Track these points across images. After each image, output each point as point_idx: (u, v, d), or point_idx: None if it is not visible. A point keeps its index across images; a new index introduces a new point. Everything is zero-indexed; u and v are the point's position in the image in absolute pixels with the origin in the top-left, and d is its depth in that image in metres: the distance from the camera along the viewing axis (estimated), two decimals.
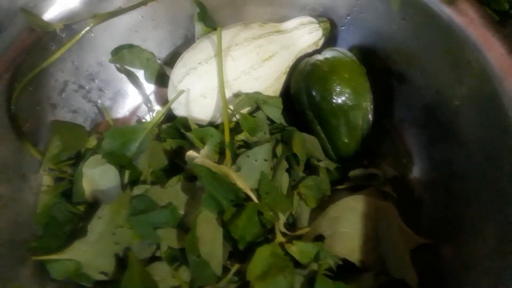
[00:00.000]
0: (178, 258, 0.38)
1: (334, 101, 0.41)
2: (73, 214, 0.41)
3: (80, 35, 0.43)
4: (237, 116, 0.43)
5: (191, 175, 0.41)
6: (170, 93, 0.45)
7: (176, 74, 0.44)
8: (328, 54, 0.44)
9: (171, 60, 0.50)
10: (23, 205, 0.41)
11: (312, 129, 0.45)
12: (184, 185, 0.40)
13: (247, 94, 0.42)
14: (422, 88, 0.44)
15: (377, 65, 0.47)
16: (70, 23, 0.43)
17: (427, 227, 0.42)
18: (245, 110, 0.43)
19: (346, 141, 0.43)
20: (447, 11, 0.38)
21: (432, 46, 0.41)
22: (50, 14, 0.42)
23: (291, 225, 0.40)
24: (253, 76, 0.43)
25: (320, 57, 0.44)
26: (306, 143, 0.43)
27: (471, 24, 0.37)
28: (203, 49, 0.43)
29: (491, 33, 0.36)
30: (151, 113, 0.52)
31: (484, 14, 0.37)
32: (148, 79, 0.51)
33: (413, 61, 0.43)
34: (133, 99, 0.52)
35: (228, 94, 0.42)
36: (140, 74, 0.51)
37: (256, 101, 0.42)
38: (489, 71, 0.36)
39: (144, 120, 0.52)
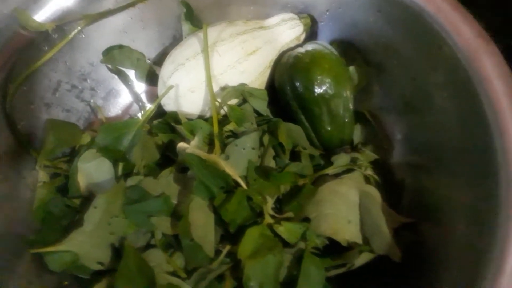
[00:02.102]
0: (172, 244, 0.40)
1: (316, 90, 0.44)
2: (69, 208, 0.43)
3: (72, 35, 0.45)
4: (225, 108, 0.45)
5: (182, 167, 0.43)
6: (160, 89, 0.47)
7: (165, 70, 0.46)
8: (309, 46, 0.46)
9: (160, 59, 0.51)
10: (19, 201, 0.42)
11: (297, 119, 0.47)
12: (176, 176, 0.42)
13: (233, 87, 0.44)
14: (399, 76, 0.46)
15: (356, 56, 0.49)
16: (62, 23, 0.44)
17: (409, 207, 0.44)
18: (232, 103, 0.45)
19: (329, 129, 0.46)
20: (418, 1, 0.40)
21: (406, 36, 0.43)
22: (42, 15, 0.44)
23: (279, 209, 0.41)
24: (239, 70, 0.45)
25: (301, 49, 0.46)
26: (291, 133, 0.45)
27: (440, 12, 0.39)
28: (190, 46, 0.45)
29: (459, 18, 0.39)
30: (142, 111, 0.54)
31: (452, 1, 0.40)
32: (138, 78, 0.53)
33: (389, 51, 0.46)
34: (124, 98, 0.54)
35: (216, 88, 0.44)
36: (131, 73, 0.52)
37: (242, 93, 0.44)
38: (459, 55, 0.38)
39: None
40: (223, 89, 0.44)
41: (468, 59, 0.37)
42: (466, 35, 0.38)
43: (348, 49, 0.49)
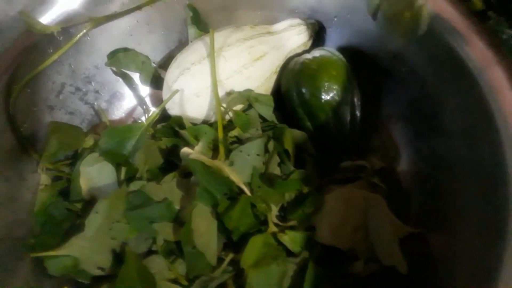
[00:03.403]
0: (174, 251, 0.39)
1: (323, 97, 0.43)
2: (70, 212, 0.42)
3: (77, 38, 0.45)
4: (230, 114, 0.44)
5: (186, 172, 0.42)
6: (165, 93, 0.47)
7: (171, 74, 0.45)
8: (316, 53, 0.46)
9: (166, 63, 0.51)
10: (21, 203, 0.42)
11: (303, 125, 0.46)
12: (179, 182, 0.41)
13: (239, 92, 0.43)
14: (407, 83, 0.45)
15: (364, 63, 0.48)
16: (67, 26, 0.44)
17: (416, 217, 0.43)
18: (237, 109, 0.45)
19: (336, 136, 0.45)
20: (428, 9, 0.40)
21: (416, 43, 0.42)
22: (48, 17, 0.44)
23: (283, 217, 0.41)
24: (245, 75, 0.44)
25: (309, 56, 0.46)
26: (297, 139, 0.45)
27: (451, 21, 0.39)
28: (196, 50, 0.45)
29: (470, 28, 0.38)
30: (146, 114, 0.54)
31: (463, 10, 0.39)
32: (143, 82, 0.52)
33: (398, 58, 0.45)
34: (129, 101, 0.53)
35: (221, 92, 0.44)
36: (135, 76, 0.52)
37: (248, 99, 0.44)
38: (469, 65, 0.37)
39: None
40: (228, 94, 0.44)
41: (479, 69, 0.37)
42: (477, 45, 0.37)
43: (356, 55, 0.48)
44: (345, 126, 0.45)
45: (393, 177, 0.47)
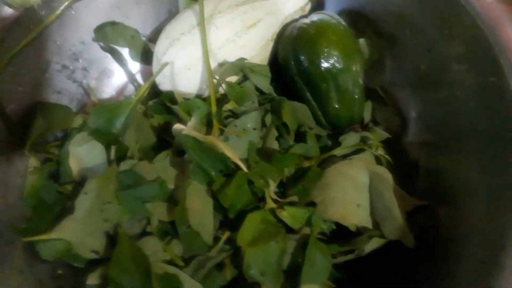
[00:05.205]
0: (169, 231, 0.37)
1: (323, 65, 0.40)
2: (61, 194, 0.41)
3: (59, 11, 0.42)
4: (224, 86, 0.41)
5: (180, 150, 0.40)
6: (155, 67, 0.44)
7: (160, 46, 0.43)
8: (315, 17, 0.43)
9: (156, 36, 0.48)
10: (10, 187, 0.40)
11: (302, 97, 0.44)
12: (172, 160, 0.40)
13: (232, 63, 0.41)
14: (413, 48, 0.42)
15: (367, 28, 0.45)
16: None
17: (423, 189, 0.41)
18: (232, 80, 0.42)
19: (337, 106, 0.42)
20: None
21: (421, 3, 0.40)
22: None
23: (282, 193, 0.39)
24: (239, 44, 0.42)
25: (307, 20, 0.43)
26: (296, 112, 0.42)
27: None
28: (185, 19, 0.42)
29: None
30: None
31: None
32: (133, 57, 0.50)
33: (402, 21, 0.42)
34: (119, 78, 0.51)
35: (214, 64, 0.41)
36: (125, 52, 0.50)
37: (242, 69, 0.41)
38: (479, 23, 0.34)
39: None
40: (221, 65, 0.41)
41: (489, 27, 0.34)
42: (486, 1, 0.34)
43: (358, 19, 0.46)
44: (347, 96, 0.42)
45: (399, 149, 0.44)
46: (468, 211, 0.36)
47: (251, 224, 0.34)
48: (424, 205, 0.39)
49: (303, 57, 0.41)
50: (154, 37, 0.50)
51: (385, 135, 0.44)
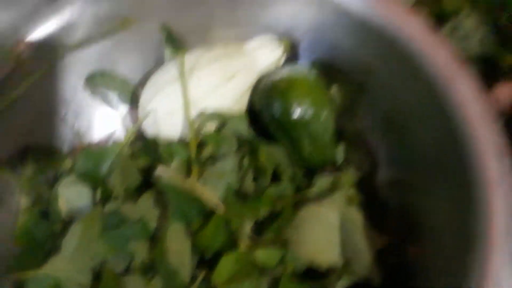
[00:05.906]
0: (152, 268, 0.39)
1: (294, 115, 0.44)
2: (51, 233, 0.43)
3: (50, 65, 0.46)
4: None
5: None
6: (141, 113, 0.47)
7: (145, 94, 0.46)
8: (285, 71, 0.47)
9: (144, 83, 0.52)
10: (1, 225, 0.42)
11: (278, 141, 0.47)
12: (156, 198, 0.42)
13: (210, 113, 0.44)
14: (380, 96, 0.46)
15: (338, 77, 0.49)
16: (40, 53, 0.45)
17: (393, 227, 0.44)
18: (211, 127, 0.45)
19: (310, 150, 0.45)
20: (391, 27, 0.41)
21: (384, 59, 0.44)
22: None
23: (258, 232, 0.41)
24: (218, 94, 0.45)
25: (278, 74, 0.46)
26: (272, 154, 0.45)
27: (415, 37, 0.40)
28: (169, 70, 0.46)
29: (434, 43, 0.39)
30: None
31: (425, 24, 0.40)
32: (123, 102, 0.53)
33: (369, 73, 0.46)
34: (109, 122, 0.54)
35: (195, 112, 0.45)
36: (115, 97, 0.52)
37: (220, 118, 0.44)
38: (435, 80, 0.39)
39: None
40: (201, 114, 0.45)
41: (442, 81, 0.38)
42: (442, 59, 0.38)
43: (330, 69, 0.49)
44: (319, 141, 0.45)
45: (370, 188, 0.47)
46: (436, 247, 0.38)
47: (226, 264, 0.36)
48: (394, 243, 0.42)
49: (275, 109, 0.45)
50: (143, 82, 0.53)
51: (357, 175, 0.47)
